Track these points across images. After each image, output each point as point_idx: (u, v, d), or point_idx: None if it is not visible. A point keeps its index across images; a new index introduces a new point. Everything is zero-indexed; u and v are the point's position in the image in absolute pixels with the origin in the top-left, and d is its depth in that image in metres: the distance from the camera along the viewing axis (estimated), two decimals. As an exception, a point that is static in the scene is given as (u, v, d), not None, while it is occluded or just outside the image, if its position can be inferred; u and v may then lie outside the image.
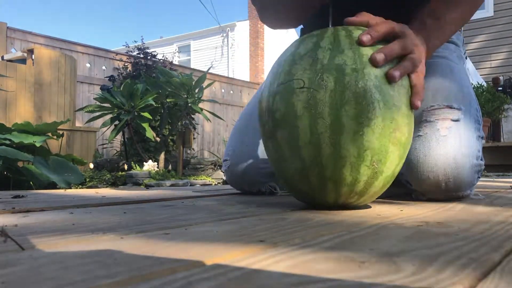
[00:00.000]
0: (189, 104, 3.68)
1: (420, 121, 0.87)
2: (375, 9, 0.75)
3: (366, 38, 0.68)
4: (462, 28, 1.14)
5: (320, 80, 0.65)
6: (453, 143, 0.83)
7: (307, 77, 0.66)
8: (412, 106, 0.69)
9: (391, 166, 0.67)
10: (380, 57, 0.66)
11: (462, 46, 1.12)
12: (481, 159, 0.88)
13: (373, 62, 0.66)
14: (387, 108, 0.64)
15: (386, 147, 0.65)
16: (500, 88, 4.98)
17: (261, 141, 1.03)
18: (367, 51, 0.67)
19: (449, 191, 0.83)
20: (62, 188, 2.14)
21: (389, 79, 0.65)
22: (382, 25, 0.70)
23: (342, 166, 0.64)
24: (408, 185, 0.87)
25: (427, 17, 0.81)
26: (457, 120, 0.85)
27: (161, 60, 5.78)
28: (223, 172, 1.13)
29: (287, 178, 0.72)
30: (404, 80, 0.68)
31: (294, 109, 0.66)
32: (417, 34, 0.74)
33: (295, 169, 0.69)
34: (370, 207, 0.77)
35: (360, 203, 0.72)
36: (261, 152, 1.03)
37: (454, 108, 0.87)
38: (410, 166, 0.84)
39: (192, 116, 4.46)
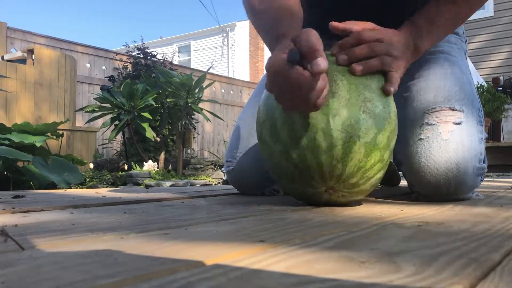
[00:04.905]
0: (189, 104, 3.68)
1: (422, 123, 0.85)
2: (369, 12, 0.80)
3: (342, 58, 0.75)
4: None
5: None
6: (455, 148, 0.81)
7: None
8: (384, 91, 0.74)
9: (368, 132, 0.70)
10: (342, 57, 0.75)
11: (464, 35, 1.09)
12: (483, 162, 0.86)
13: (336, 62, 0.75)
14: (351, 84, 0.72)
15: (356, 115, 0.70)
16: (500, 88, 4.97)
17: None
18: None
19: (451, 194, 0.83)
20: (62, 188, 2.14)
21: (352, 71, 0.74)
22: (362, 45, 0.76)
23: (315, 133, 0.70)
24: (411, 186, 0.87)
25: (419, 17, 0.83)
26: (459, 123, 0.83)
27: (161, 60, 5.78)
28: (224, 172, 1.12)
29: (274, 163, 0.77)
30: (376, 76, 0.75)
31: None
32: (405, 37, 0.79)
33: (280, 151, 0.74)
34: (370, 205, 0.77)
35: (348, 177, 0.71)
36: None
37: (456, 110, 0.85)
38: (412, 169, 0.84)
39: (192, 116, 4.46)
